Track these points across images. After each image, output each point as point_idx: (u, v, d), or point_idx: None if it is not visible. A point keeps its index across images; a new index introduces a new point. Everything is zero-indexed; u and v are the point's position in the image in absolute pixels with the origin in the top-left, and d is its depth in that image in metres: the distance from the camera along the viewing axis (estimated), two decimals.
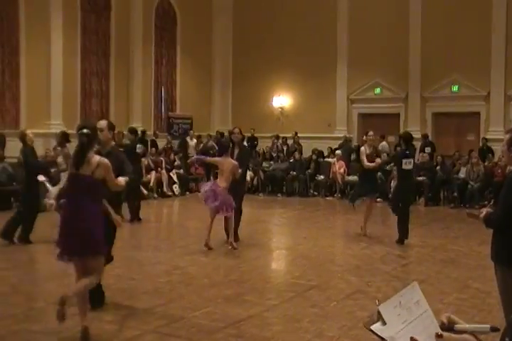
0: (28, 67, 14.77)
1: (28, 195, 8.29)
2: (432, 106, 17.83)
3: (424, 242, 8.89)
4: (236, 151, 8.51)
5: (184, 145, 17.49)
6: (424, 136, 16.29)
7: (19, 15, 14.58)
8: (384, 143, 16.39)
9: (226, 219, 8.27)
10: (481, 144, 15.84)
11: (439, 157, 14.70)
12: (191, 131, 18.43)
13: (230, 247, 8.06)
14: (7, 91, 14.49)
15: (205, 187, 8.29)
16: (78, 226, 4.34)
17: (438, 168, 14.30)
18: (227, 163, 8.05)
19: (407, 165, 8.33)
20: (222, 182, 8.01)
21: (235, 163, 8.09)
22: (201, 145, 17.59)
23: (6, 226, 8.23)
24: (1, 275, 6.59)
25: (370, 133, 9.31)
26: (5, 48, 14.38)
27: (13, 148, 9.55)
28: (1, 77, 14.39)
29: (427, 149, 15.06)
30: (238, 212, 8.43)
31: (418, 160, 14.46)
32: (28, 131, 8.40)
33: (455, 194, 13.60)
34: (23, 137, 8.25)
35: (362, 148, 9.23)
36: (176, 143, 17.73)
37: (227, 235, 8.29)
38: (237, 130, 8.77)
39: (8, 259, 7.11)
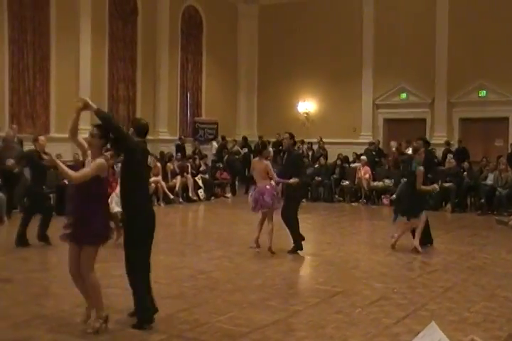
0: (57, 73, 15.06)
1: (34, 195, 8.62)
2: (458, 111, 17.63)
3: (451, 249, 8.78)
4: (285, 157, 8.42)
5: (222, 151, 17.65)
6: (447, 143, 16.17)
7: (50, 23, 14.89)
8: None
9: (267, 221, 8.26)
10: (509, 150, 15.59)
11: (466, 163, 14.51)
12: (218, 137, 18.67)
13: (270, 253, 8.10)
14: (38, 96, 14.78)
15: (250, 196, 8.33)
16: (77, 216, 4.80)
17: (465, 173, 14.11)
18: (258, 164, 8.21)
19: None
20: (259, 182, 8.19)
21: (266, 162, 8.18)
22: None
23: (39, 230, 8.46)
24: (33, 276, 6.73)
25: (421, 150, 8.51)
26: (36, 54, 14.68)
27: None
28: (33, 83, 14.68)
29: (449, 156, 14.84)
30: (290, 219, 8.31)
31: (445, 165, 14.32)
32: (41, 137, 8.74)
33: (482, 200, 13.39)
34: (33, 141, 8.68)
35: (421, 168, 8.23)
36: (205, 147, 17.92)
37: (269, 240, 8.21)
38: (286, 135, 8.43)
39: (40, 262, 7.25)
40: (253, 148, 16.89)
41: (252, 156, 14.63)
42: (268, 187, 8.11)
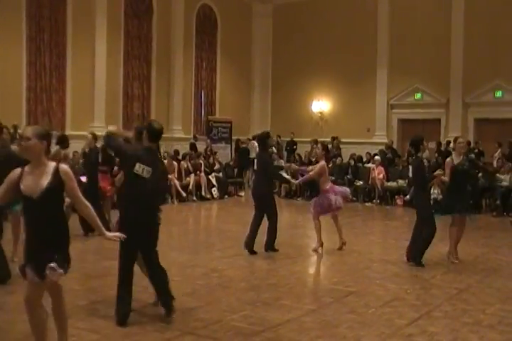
0: (73, 71, 15.19)
1: None
2: (474, 111, 17.50)
3: (465, 251, 8.69)
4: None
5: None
6: (467, 143, 15.96)
7: (66, 22, 15.05)
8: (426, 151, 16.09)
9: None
10: None
11: (482, 164, 14.39)
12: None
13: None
14: (54, 94, 14.93)
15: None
16: None
17: (480, 175, 13.99)
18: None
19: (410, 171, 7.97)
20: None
21: (322, 163, 8.39)
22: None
23: None
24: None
25: (460, 139, 7.91)
26: (53, 53, 14.83)
27: None
28: (49, 81, 14.83)
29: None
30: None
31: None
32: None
33: (498, 202, 13.28)
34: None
35: (448, 159, 7.88)
36: (217, 146, 17.99)
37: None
38: (319, 146, 8.92)
39: None
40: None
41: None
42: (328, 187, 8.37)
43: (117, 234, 4.15)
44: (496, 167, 13.86)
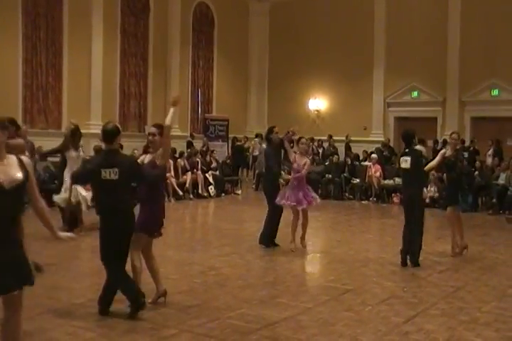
0: (70, 69, 15.17)
1: None
2: (470, 110, 17.53)
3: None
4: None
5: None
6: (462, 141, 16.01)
7: (62, 20, 15.01)
8: (419, 146, 16.12)
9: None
10: None
11: (477, 162, 14.43)
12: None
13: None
14: (50, 92, 14.90)
15: None
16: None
17: (476, 173, 14.04)
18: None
19: (403, 163, 7.78)
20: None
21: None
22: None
23: None
24: (46, 270, 6.76)
25: (454, 135, 8.14)
26: (49, 51, 14.80)
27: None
28: (46, 79, 14.80)
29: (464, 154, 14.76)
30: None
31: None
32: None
33: (494, 200, 13.32)
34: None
35: (443, 150, 8.26)
36: (214, 144, 18.01)
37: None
38: None
39: (51, 255, 7.30)
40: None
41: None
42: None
43: (69, 234, 4.02)
44: (468, 167, 13.76)
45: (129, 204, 5.14)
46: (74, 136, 9.33)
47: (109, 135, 5.06)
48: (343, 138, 18.24)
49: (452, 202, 8.17)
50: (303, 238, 8.44)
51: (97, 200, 5.28)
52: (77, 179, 5.95)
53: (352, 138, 18.28)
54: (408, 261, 7.33)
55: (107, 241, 5.02)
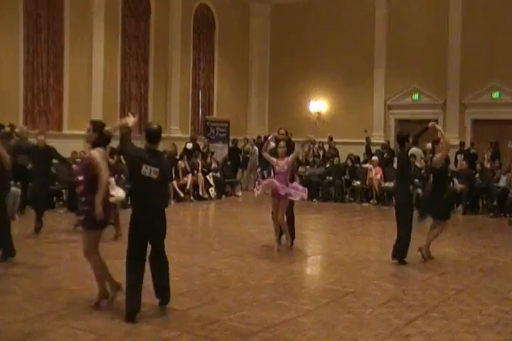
0: (71, 71, 15.17)
1: None
2: (471, 112, 17.54)
3: (462, 251, 8.73)
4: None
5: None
6: (461, 143, 16.12)
7: (64, 21, 15.02)
8: (414, 148, 16.06)
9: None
10: None
11: (478, 164, 14.43)
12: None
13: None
14: (51, 94, 14.90)
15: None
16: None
17: (477, 175, 14.03)
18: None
19: (394, 165, 7.94)
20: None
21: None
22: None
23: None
24: (46, 272, 6.80)
25: (442, 140, 7.86)
26: (50, 52, 14.81)
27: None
28: (46, 80, 14.80)
29: (460, 156, 14.78)
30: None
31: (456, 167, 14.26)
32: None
33: (495, 202, 13.31)
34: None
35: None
36: (215, 146, 18.00)
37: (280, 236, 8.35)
38: None
39: (52, 256, 7.31)
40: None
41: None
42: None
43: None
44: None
45: (163, 204, 5.30)
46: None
47: (155, 135, 5.23)
48: (344, 140, 18.23)
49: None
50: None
51: (133, 197, 5.36)
52: (126, 150, 5.25)
53: (352, 141, 18.26)
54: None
55: (132, 239, 5.11)
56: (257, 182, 8.83)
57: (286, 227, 8.46)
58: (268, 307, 5.55)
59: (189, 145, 15.97)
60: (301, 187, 8.48)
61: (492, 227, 11.59)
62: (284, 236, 8.58)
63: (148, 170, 5.02)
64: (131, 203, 5.37)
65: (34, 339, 4.53)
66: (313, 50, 19.48)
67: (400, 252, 7.59)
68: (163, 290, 5.31)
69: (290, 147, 8.69)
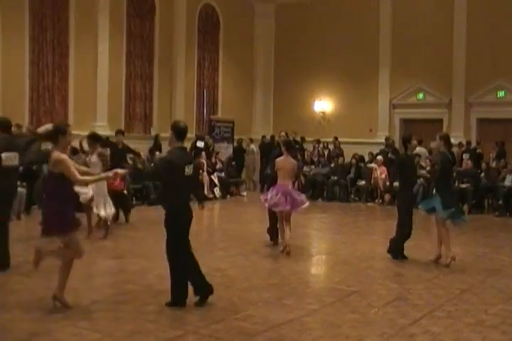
0: (76, 70, 15.20)
1: None
2: (476, 111, 17.47)
3: (468, 251, 8.70)
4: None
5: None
6: (467, 143, 16.08)
7: (69, 21, 15.04)
8: (419, 148, 16.01)
9: (287, 220, 8.21)
10: None
11: (483, 164, 14.39)
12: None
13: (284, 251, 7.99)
14: (56, 93, 14.94)
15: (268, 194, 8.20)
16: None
17: (482, 175, 13.99)
18: (288, 163, 8.11)
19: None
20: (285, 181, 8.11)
21: (295, 162, 8.27)
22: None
23: None
24: (52, 271, 6.77)
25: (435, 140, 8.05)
26: (55, 52, 14.84)
27: None
28: (52, 80, 14.84)
29: (465, 155, 14.73)
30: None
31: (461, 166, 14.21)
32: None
33: (500, 202, 13.27)
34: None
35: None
36: (220, 146, 18.02)
37: (282, 237, 8.25)
38: None
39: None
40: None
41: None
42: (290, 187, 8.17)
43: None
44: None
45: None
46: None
47: (183, 132, 5.48)
48: (349, 139, 18.20)
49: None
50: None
51: (174, 196, 5.38)
52: (157, 175, 5.69)
53: (357, 140, 18.24)
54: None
55: (174, 234, 5.35)
56: (262, 196, 8.44)
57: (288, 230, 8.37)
58: (273, 306, 5.55)
59: (200, 144, 15.92)
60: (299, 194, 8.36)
61: (497, 227, 11.56)
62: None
63: (188, 169, 5.32)
64: (167, 203, 5.42)
65: (40, 338, 4.55)
66: (317, 49, 19.46)
67: (394, 250, 7.86)
68: (203, 282, 5.58)
69: (291, 148, 8.53)
